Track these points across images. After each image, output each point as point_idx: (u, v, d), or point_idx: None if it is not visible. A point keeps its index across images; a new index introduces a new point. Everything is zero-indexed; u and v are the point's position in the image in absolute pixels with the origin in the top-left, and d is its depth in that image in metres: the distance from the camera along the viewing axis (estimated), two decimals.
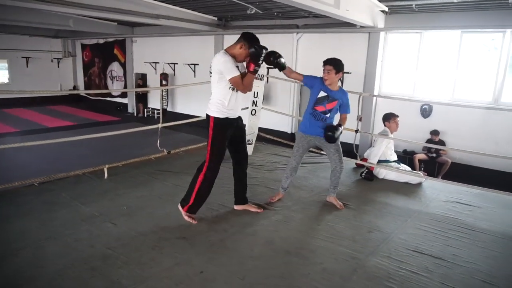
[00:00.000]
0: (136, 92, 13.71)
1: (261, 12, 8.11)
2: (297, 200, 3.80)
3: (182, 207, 3.21)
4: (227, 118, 3.08)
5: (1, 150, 3.94)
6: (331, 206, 3.69)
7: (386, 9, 7.22)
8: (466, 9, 6.65)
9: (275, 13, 8.53)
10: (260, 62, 2.97)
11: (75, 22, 10.86)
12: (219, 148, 3.10)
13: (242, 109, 3.41)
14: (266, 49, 2.98)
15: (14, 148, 3.99)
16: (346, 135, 6.64)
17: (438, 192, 4.24)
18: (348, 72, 8.11)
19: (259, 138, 5.71)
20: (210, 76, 3.08)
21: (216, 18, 9.97)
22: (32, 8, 7.89)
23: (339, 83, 3.64)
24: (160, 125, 4.75)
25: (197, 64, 11.40)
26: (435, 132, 7.14)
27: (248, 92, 3.15)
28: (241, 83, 2.99)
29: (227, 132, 3.12)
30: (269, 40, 9.39)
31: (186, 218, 3.19)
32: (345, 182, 4.46)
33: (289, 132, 9.63)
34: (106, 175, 4.27)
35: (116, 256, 2.65)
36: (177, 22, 8.98)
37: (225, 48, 3.08)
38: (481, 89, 7.06)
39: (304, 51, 9.10)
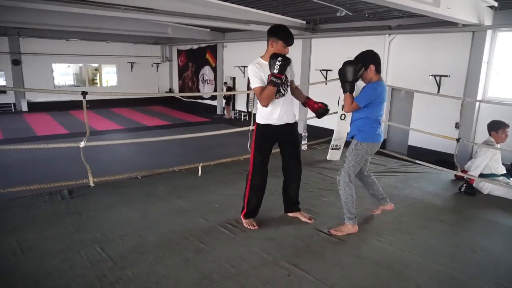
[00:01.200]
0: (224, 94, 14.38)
1: (351, 14, 7.88)
2: (388, 210, 3.60)
3: (241, 213, 3.23)
4: (268, 125, 3.00)
5: (111, 145, 4.44)
6: (425, 219, 3.42)
7: (496, 4, 6.47)
8: None
9: (366, 15, 8.22)
10: (276, 71, 2.72)
11: (173, 29, 11.82)
12: (260, 154, 3.05)
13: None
14: (287, 59, 2.74)
15: (120, 143, 4.47)
16: (445, 145, 6.11)
17: None
18: (446, 75, 7.50)
19: (348, 144, 5.53)
20: None
21: (304, 22, 9.97)
22: (138, 19, 8.78)
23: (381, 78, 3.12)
24: (250, 127, 4.90)
25: None
26: None
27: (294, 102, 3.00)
28: (259, 95, 2.84)
29: (269, 138, 3.04)
30: (358, 43, 9.19)
31: (245, 225, 3.16)
32: (442, 194, 4.10)
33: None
34: (200, 172, 4.54)
35: (208, 251, 2.79)
36: (267, 26, 9.13)
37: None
38: None
39: (396, 54, 8.59)
